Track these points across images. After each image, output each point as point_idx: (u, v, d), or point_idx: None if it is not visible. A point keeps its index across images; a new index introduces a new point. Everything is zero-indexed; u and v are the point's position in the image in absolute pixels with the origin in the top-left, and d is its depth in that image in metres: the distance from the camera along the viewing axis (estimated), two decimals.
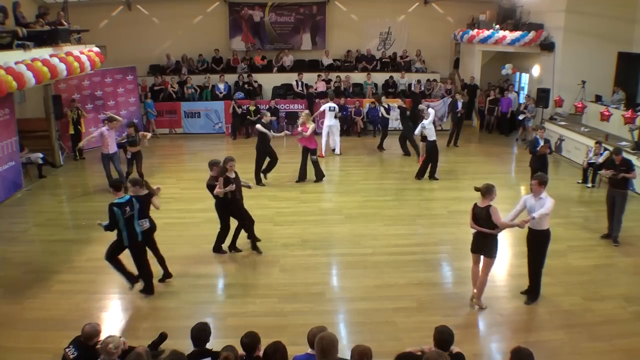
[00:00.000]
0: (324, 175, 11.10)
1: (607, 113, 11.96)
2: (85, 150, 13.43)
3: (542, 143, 9.77)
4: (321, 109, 13.13)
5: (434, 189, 10.70)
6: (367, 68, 16.96)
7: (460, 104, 14.03)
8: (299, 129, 10.82)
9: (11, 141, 10.43)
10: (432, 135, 10.96)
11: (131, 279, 6.42)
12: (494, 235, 5.89)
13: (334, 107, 12.88)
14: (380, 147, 13.68)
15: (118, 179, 9.95)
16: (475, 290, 6.17)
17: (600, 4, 13.29)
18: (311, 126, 10.71)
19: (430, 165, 11.19)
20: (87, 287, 6.65)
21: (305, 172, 10.97)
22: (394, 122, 14.05)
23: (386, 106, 13.57)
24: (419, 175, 11.25)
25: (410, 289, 6.58)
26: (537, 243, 6.11)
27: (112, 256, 6.32)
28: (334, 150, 13.32)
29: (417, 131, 11.29)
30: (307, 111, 11.52)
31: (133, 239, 6.19)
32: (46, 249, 7.88)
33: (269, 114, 11.14)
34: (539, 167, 9.44)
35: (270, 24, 17.16)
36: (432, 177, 11.19)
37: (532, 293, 6.29)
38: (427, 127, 10.94)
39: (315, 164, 10.94)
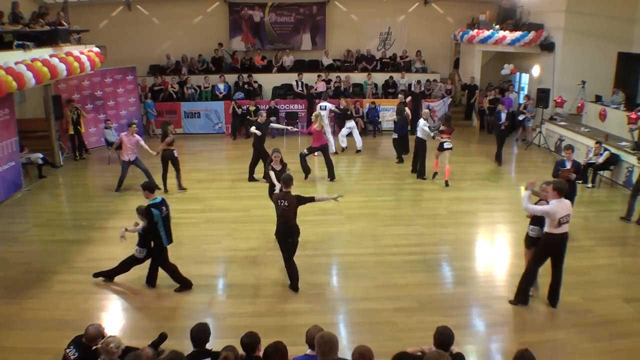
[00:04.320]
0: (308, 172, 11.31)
1: (603, 113, 12.02)
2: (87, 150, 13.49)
3: (568, 166, 7.99)
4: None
5: (434, 189, 10.69)
6: (367, 68, 16.96)
7: (503, 115, 12.35)
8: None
9: (11, 141, 10.42)
10: (422, 134, 10.96)
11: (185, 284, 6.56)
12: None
13: (325, 107, 13.02)
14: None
15: (151, 181, 9.89)
16: None
17: (600, 4, 13.30)
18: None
19: (418, 163, 11.25)
20: (87, 287, 6.65)
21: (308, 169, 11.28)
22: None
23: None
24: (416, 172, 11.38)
25: (410, 289, 6.58)
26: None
27: (167, 264, 6.48)
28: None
29: (420, 133, 11.01)
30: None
31: (170, 237, 6.38)
32: (46, 249, 7.87)
33: (264, 113, 11.74)
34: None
35: (270, 24, 17.17)
36: (420, 176, 11.18)
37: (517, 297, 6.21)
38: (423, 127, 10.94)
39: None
